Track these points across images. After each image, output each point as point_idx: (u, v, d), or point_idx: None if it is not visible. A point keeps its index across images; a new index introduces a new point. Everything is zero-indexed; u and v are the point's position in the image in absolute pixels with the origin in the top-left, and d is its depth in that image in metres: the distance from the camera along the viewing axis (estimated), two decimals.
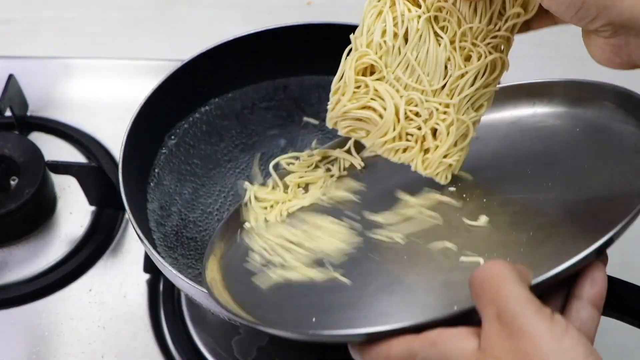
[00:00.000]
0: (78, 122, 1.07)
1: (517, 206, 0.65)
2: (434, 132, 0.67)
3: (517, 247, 0.60)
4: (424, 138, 0.67)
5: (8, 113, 1.03)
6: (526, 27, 0.64)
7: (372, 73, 0.67)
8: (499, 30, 0.65)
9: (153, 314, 0.90)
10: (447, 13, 0.65)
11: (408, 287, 0.60)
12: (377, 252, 0.65)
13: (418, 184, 0.70)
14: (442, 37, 0.65)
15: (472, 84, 0.66)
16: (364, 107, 0.67)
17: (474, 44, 0.65)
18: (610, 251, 1.01)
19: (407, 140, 0.67)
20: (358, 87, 0.67)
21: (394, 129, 0.67)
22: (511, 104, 0.74)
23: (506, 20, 0.65)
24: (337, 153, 0.77)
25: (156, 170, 0.85)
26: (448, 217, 0.66)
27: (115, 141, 0.94)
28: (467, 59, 0.66)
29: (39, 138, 1.05)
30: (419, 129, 0.67)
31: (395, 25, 0.65)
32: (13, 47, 1.20)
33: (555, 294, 0.54)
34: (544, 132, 0.71)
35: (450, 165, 0.68)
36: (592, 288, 0.53)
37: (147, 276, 0.93)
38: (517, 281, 0.47)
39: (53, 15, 1.26)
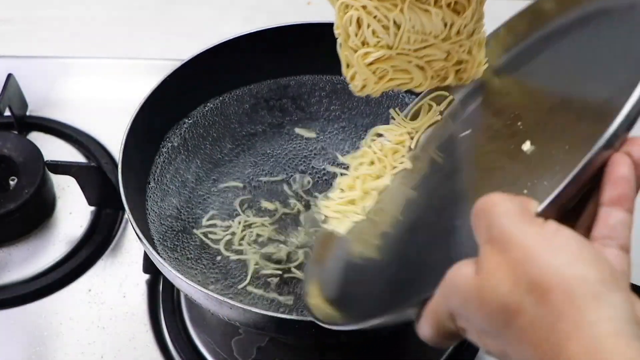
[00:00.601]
0: (78, 122, 1.07)
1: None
2: (459, 62, 0.72)
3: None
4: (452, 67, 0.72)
5: (7, 113, 1.03)
6: None
7: (378, 59, 0.70)
8: None
9: (152, 314, 0.90)
10: None
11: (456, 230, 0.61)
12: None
13: None
14: (427, 7, 0.68)
15: (471, 19, 0.70)
16: (389, 80, 0.72)
17: None
18: None
19: (439, 75, 0.72)
20: (374, 72, 0.71)
21: (426, 79, 0.72)
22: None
23: None
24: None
25: (156, 170, 0.85)
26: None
27: (114, 141, 0.94)
28: (455, 11, 0.69)
29: (38, 138, 1.05)
30: (446, 63, 0.72)
31: (380, 22, 0.68)
32: (12, 46, 1.20)
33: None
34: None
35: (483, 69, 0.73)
36: (614, 189, 0.48)
37: (146, 276, 0.93)
38: (510, 203, 0.47)
39: (53, 15, 1.26)
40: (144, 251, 0.85)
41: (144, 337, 0.88)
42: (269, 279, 0.79)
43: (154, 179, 0.85)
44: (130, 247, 0.96)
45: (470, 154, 0.72)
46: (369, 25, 0.68)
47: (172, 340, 0.88)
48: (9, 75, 1.05)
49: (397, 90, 0.78)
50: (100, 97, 1.12)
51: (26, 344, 0.88)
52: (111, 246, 0.96)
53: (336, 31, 0.70)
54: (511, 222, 0.46)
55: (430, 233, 0.65)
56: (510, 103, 0.71)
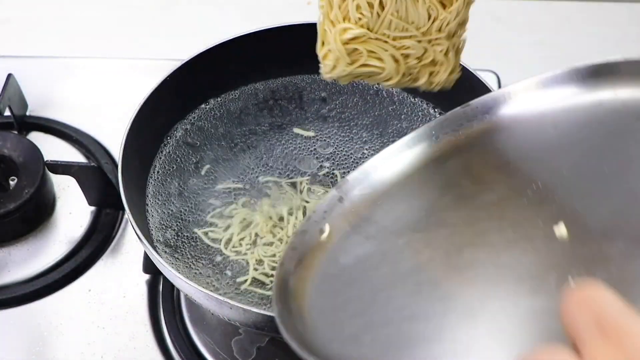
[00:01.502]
0: (77, 122, 1.07)
1: (601, 210, 0.56)
2: (433, 62, 0.69)
3: (605, 262, 0.52)
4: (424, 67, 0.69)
5: (7, 113, 1.03)
6: None
7: (356, 37, 0.68)
8: None
9: (152, 314, 0.90)
10: None
11: (492, 314, 0.51)
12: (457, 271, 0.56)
13: None
14: None
15: (455, 17, 0.68)
16: (362, 66, 0.69)
17: None
18: None
19: (410, 75, 0.69)
20: (349, 53, 0.68)
21: (398, 73, 0.69)
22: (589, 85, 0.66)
23: None
24: None
25: (156, 169, 0.85)
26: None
27: (114, 141, 0.94)
28: (441, 2, 0.67)
29: (38, 138, 1.05)
30: (419, 62, 0.69)
31: None
32: (12, 46, 1.20)
33: None
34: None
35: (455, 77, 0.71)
36: None
37: (146, 276, 0.93)
38: (613, 294, 0.43)
39: (53, 15, 1.26)
40: (144, 251, 0.85)
41: (144, 337, 0.88)
42: (269, 279, 0.79)
43: (154, 179, 0.85)
44: (130, 247, 0.96)
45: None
46: None
47: (172, 340, 0.88)
48: (9, 75, 1.05)
49: (366, 82, 0.72)
50: (100, 97, 1.12)
51: (26, 343, 0.88)
52: (111, 246, 0.96)
53: (320, 3, 0.68)
54: (620, 313, 0.42)
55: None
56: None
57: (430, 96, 0.90)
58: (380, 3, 0.66)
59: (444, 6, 0.67)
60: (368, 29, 0.67)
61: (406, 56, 0.69)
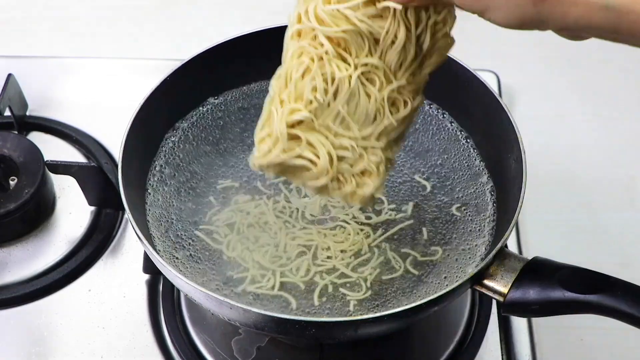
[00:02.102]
0: (78, 122, 1.07)
1: None
2: (363, 172, 0.70)
3: None
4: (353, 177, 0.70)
5: (7, 113, 1.03)
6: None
7: (300, 123, 0.68)
8: (419, 77, 0.69)
9: (152, 314, 0.90)
10: (373, 67, 0.67)
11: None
12: None
13: None
14: (370, 90, 0.67)
15: (397, 128, 0.69)
16: (297, 157, 0.69)
17: (399, 92, 0.68)
18: (610, 251, 1.02)
19: (338, 181, 0.70)
20: (289, 138, 0.68)
21: (327, 174, 0.69)
22: None
23: (426, 67, 0.69)
24: None
25: (156, 169, 0.85)
26: None
27: (114, 141, 0.94)
28: (393, 104, 0.68)
29: (38, 138, 1.05)
30: (350, 169, 0.69)
31: (325, 82, 0.66)
32: (12, 46, 1.20)
33: None
34: None
35: (378, 197, 0.72)
36: None
37: (146, 276, 0.93)
38: None
39: (53, 15, 1.26)
40: (144, 251, 0.85)
41: (144, 337, 0.88)
42: (269, 279, 0.78)
43: (154, 179, 0.85)
44: (130, 247, 0.96)
45: None
46: (313, 78, 0.66)
47: (172, 340, 0.88)
48: (9, 75, 1.05)
49: (285, 176, 0.72)
50: (100, 97, 1.12)
51: (26, 343, 0.88)
52: (111, 246, 0.96)
53: (272, 82, 0.69)
54: None
55: None
56: None
57: (430, 95, 0.90)
58: (335, 93, 0.67)
59: (392, 112, 0.68)
60: (315, 116, 0.67)
61: (341, 158, 0.69)
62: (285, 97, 0.68)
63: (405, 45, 0.66)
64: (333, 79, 0.66)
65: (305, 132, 0.68)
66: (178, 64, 0.86)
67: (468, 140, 0.88)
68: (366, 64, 0.66)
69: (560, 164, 1.07)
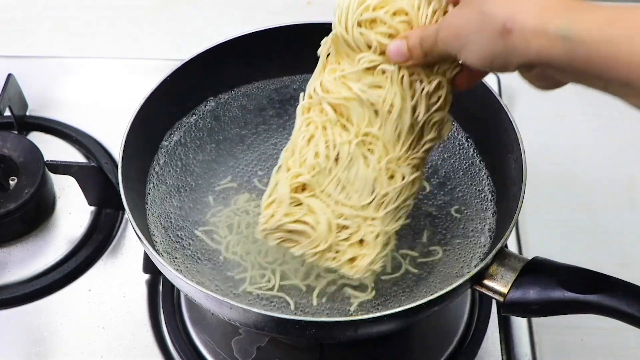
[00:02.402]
0: (78, 122, 1.07)
1: None
2: (361, 242, 0.72)
3: None
4: (351, 247, 0.72)
5: (7, 113, 1.03)
6: (465, 84, 0.70)
7: (304, 189, 0.72)
8: (417, 152, 0.72)
9: (152, 314, 0.90)
10: (373, 137, 0.70)
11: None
12: None
13: None
14: (369, 159, 0.71)
15: (396, 200, 0.71)
16: (297, 221, 0.72)
17: (397, 164, 0.71)
18: (610, 251, 1.02)
19: (336, 252, 0.72)
20: (292, 203, 0.72)
21: (326, 242, 0.71)
22: None
23: (424, 144, 0.71)
24: None
25: (156, 170, 0.85)
26: None
27: (114, 141, 0.94)
28: (391, 177, 0.71)
29: (38, 138, 1.05)
30: (348, 239, 0.72)
31: (327, 148, 0.71)
32: (12, 46, 1.20)
33: None
34: None
35: (374, 270, 0.72)
36: None
37: (146, 276, 0.93)
38: None
39: (53, 15, 1.26)
40: (144, 251, 0.85)
41: (144, 337, 0.88)
42: (269, 279, 0.78)
43: (154, 179, 0.85)
44: (130, 247, 0.96)
45: None
46: (317, 144, 0.71)
47: (172, 340, 0.88)
48: (9, 75, 1.05)
49: (286, 244, 0.74)
50: (100, 97, 1.12)
51: (26, 343, 0.88)
52: (111, 246, 0.96)
53: (284, 150, 0.74)
54: None
55: None
56: None
57: None
58: (336, 159, 0.71)
59: (390, 184, 0.71)
60: (318, 183, 0.71)
61: (340, 227, 0.72)
62: (291, 163, 0.72)
63: (402, 115, 0.69)
64: (335, 145, 0.71)
65: (307, 198, 0.72)
66: (178, 64, 0.86)
67: (468, 140, 0.88)
68: (366, 134, 0.70)
69: (560, 164, 1.07)
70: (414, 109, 0.69)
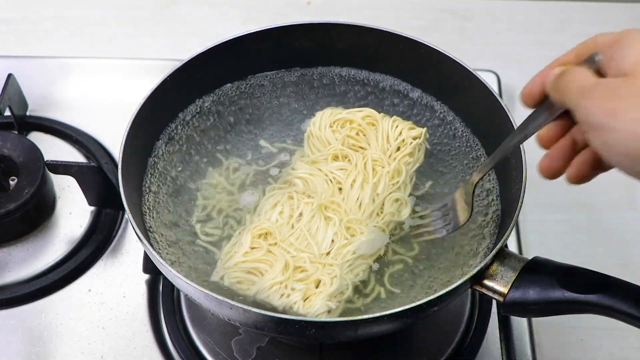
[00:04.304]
0: (78, 122, 1.07)
1: None
2: (317, 284, 0.75)
3: None
4: (307, 287, 0.75)
5: (7, 113, 1.03)
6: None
7: (265, 236, 0.77)
8: (378, 222, 0.79)
9: (152, 314, 0.90)
10: (336, 204, 0.79)
11: None
12: None
13: None
14: (331, 219, 0.78)
15: (354, 253, 0.76)
16: (255, 260, 0.76)
17: (357, 224, 0.78)
18: (610, 251, 1.02)
19: (291, 289, 0.74)
20: (252, 248, 0.76)
21: (282, 276, 0.74)
22: None
23: (384, 216, 0.80)
24: None
25: (156, 170, 0.85)
26: None
27: (114, 141, 0.94)
28: (352, 235, 0.78)
29: (38, 138, 1.05)
30: (304, 280, 0.75)
31: (291, 208, 0.78)
32: (12, 46, 1.20)
33: None
34: None
35: (329, 311, 0.73)
36: None
37: (146, 276, 0.93)
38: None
39: (53, 15, 1.26)
40: (144, 251, 0.85)
41: (144, 337, 0.88)
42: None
43: (154, 179, 0.85)
44: (130, 247, 0.96)
45: None
46: (282, 206, 0.78)
47: (172, 340, 0.88)
48: (9, 75, 1.05)
49: (240, 286, 0.76)
50: (100, 97, 1.12)
51: (26, 343, 0.88)
52: (111, 246, 0.96)
53: (248, 216, 0.81)
54: None
55: None
56: None
57: (430, 95, 0.90)
58: (299, 217, 0.78)
59: (352, 236, 0.77)
60: (279, 234, 0.77)
61: (297, 268, 0.75)
62: (255, 221, 0.79)
63: (363, 186, 0.80)
64: (298, 206, 0.78)
65: (268, 245, 0.76)
66: (178, 64, 0.86)
67: (468, 140, 0.88)
68: (330, 201, 0.79)
69: None
70: (376, 185, 0.80)
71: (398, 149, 0.84)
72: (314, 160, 0.83)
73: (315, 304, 0.73)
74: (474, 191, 0.75)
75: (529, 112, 0.68)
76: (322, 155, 0.83)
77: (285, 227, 0.77)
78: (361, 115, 0.85)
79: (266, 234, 0.77)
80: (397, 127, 0.85)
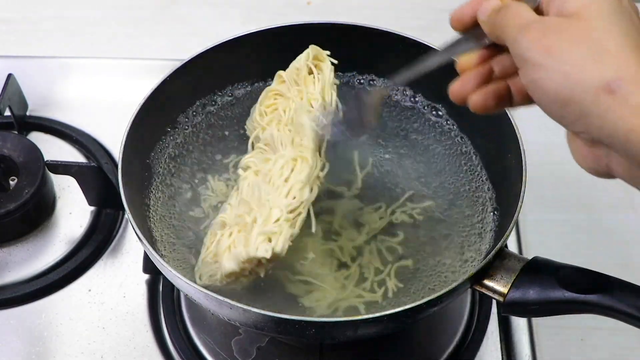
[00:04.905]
0: (78, 122, 1.07)
1: None
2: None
3: None
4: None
5: (7, 113, 1.03)
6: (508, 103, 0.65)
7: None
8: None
9: (152, 314, 0.90)
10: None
11: None
12: None
13: None
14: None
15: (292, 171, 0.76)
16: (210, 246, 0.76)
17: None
18: (610, 251, 1.01)
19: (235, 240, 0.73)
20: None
21: (229, 237, 0.74)
22: None
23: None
24: None
25: (156, 169, 0.85)
26: None
27: (114, 141, 0.94)
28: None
29: (38, 138, 1.05)
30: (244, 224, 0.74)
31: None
32: (12, 46, 1.20)
33: None
34: None
35: (269, 239, 0.72)
36: None
37: (146, 276, 0.93)
38: None
39: (53, 15, 1.26)
40: (144, 251, 0.85)
41: (144, 337, 0.88)
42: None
43: (154, 179, 0.85)
44: (130, 247, 0.96)
45: None
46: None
47: (172, 340, 0.88)
48: (9, 75, 1.05)
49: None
50: (100, 97, 1.12)
51: (26, 343, 0.88)
52: (111, 246, 0.96)
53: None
54: None
55: None
56: None
57: (430, 96, 0.91)
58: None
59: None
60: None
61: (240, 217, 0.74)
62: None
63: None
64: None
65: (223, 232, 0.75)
66: (178, 64, 0.86)
67: (468, 140, 0.88)
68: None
69: (560, 164, 1.07)
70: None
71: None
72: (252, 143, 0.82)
73: (252, 239, 0.71)
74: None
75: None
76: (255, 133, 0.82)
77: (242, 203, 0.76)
78: (270, 89, 0.84)
79: (222, 223, 0.76)
80: (297, 68, 0.84)
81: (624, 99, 0.50)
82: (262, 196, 0.74)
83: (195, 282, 0.74)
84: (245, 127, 0.85)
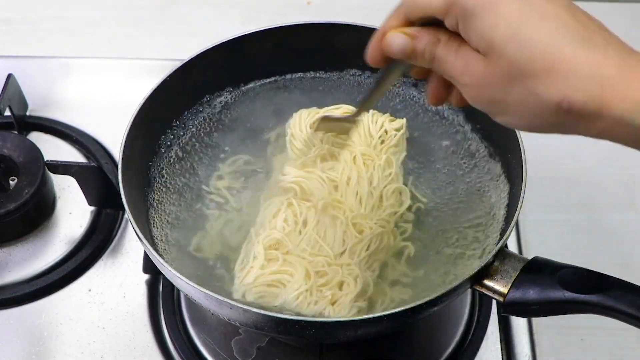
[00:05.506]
0: (78, 122, 1.07)
1: None
2: (341, 285, 0.75)
3: None
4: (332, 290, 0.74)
5: (7, 113, 1.03)
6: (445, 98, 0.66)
7: (277, 248, 0.76)
8: (381, 214, 0.79)
9: (152, 314, 0.90)
10: (337, 202, 0.78)
11: None
12: None
13: None
14: (336, 218, 0.77)
15: (367, 249, 0.76)
16: (275, 272, 0.75)
17: (363, 219, 0.78)
18: (610, 251, 1.01)
19: (317, 296, 0.74)
20: (268, 259, 0.75)
21: (306, 284, 0.74)
22: None
23: (385, 208, 0.80)
24: None
25: (156, 169, 0.85)
26: None
27: (115, 141, 0.94)
28: (360, 231, 0.77)
29: (38, 138, 1.05)
30: (327, 284, 0.74)
31: (294, 215, 0.77)
32: (12, 46, 1.20)
33: None
34: None
35: (359, 311, 0.74)
36: None
37: (146, 276, 0.93)
38: None
39: (53, 15, 1.26)
40: (144, 251, 0.85)
41: (144, 337, 0.88)
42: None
43: (154, 179, 0.85)
44: (130, 247, 0.96)
45: None
46: (284, 214, 0.77)
47: (172, 340, 0.88)
48: (9, 75, 1.05)
49: (265, 299, 0.75)
50: (100, 97, 1.12)
51: (26, 343, 0.88)
52: (111, 246, 0.96)
53: (252, 230, 0.79)
54: None
55: None
56: None
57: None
58: (304, 222, 0.77)
59: (360, 232, 0.77)
60: (289, 240, 0.76)
61: (317, 273, 0.74)
62: (261, 232, 0.77)
63: (360, 182, 0.80)
64: (301, 212, 0.77)
65: (282, 254, 0.75)
66: (178, 64, 0.86)
67: (468, 141, 0.88)
68: (335, 200, 0.78)
69: (560, 164, 1.07)
70: (370, 179, 0.80)
71: (382, 141, 0.84)
72: (303, 164, 0.82)
73: (345, 306, 0.73)
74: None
75: None
76: (310, 158, 0.82)
77: (293, 234, 0.76)
78: (339, 112, 0.85)
79: (277, 243, 0.76)
80: (377, 121, 0.84)
81: (579, 114, 0.53)
82: (336, 244, 0.76)
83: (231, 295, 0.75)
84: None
